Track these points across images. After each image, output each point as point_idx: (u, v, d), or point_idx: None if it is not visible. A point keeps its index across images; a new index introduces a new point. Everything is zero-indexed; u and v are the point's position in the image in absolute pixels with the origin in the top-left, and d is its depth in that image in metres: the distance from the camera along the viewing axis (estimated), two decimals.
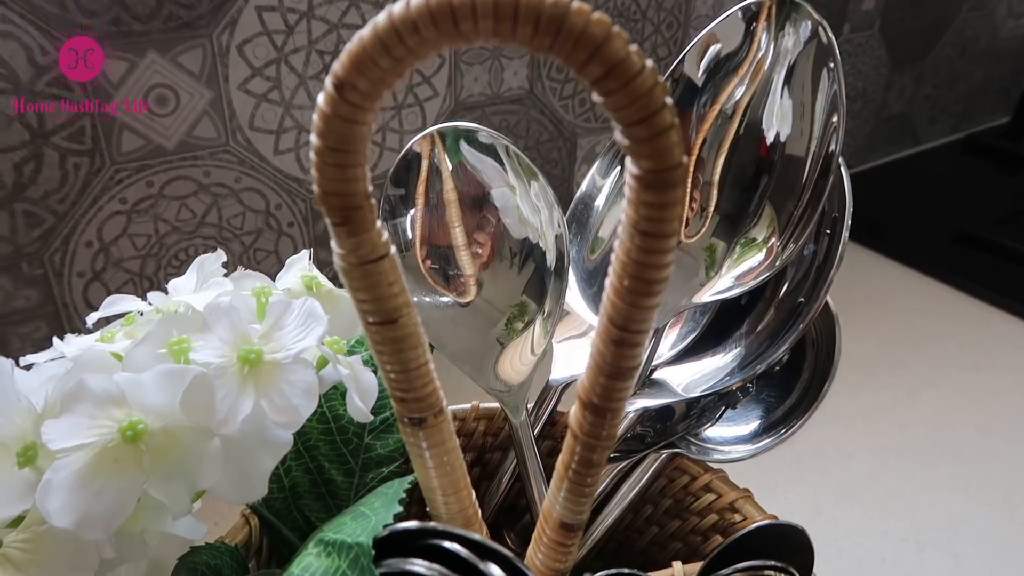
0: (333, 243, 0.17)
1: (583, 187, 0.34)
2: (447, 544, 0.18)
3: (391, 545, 0.19)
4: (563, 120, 0.66)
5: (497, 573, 0.18)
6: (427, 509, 0.21)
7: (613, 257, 0.16)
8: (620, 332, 0.16)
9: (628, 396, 0.17)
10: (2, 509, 0.20)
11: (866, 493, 0.49)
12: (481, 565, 0.18)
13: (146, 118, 0.47)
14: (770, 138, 0.23)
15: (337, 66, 0.14)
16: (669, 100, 0.14)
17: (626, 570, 0.21)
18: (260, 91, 0.51)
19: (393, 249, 0.17)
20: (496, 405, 0.33)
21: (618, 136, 0.14)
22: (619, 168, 0.33)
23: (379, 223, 0.17)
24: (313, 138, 0.15)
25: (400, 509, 0.20)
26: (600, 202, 0.33)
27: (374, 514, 0.20)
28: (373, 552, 0.18)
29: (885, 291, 0.71)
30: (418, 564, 0.17)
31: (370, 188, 0.16)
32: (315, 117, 0.15)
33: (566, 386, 0.31)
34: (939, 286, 0.71)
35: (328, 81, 0.15)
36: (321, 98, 0.15)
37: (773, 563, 0.22)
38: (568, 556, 0.20)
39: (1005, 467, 0.51)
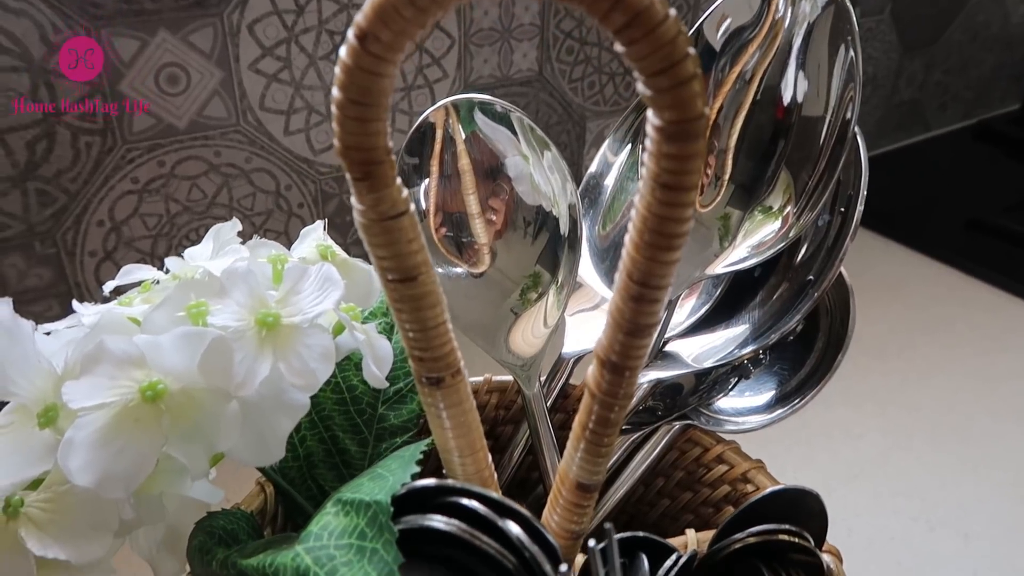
0: (353, 199, 0.17)
1: (594, 166, 0.34)
2: (465, 501, 0.18)
3: (409, 503, 0.19)
4: (572, 103, 0.66)
5: (515, 530, 0.18)
6: (443, 472, 0.21)
7: (633, 213, 0.16)
8: (639, 288, 0.16)
9: (646, 355, 0.18)
10: (24, 470, 0.20)
11: (876, 474, 0.49)
12: (500, 522, 0.18)
13: (157, 97, 0.47)
14: (787, 102, 0.23)
15: (360, 17, 0.14)
16: (692, 50, 0.14)
17: (641, 533, 0.21)
18: (270, 71, 0.51)
19: (413, 207, 0.17)
20: (509, 378, 0.33)
21: (640, 87, 0.14)
22: (629, 146, 0.33)
23: (399, 180, 0.17)
24: (335, 91, 0.15)
25: (417, 470, 0.20)
26: (611, 180, 0.33)
27: (391, 475, 0.20)
28: (391, 509, 0.18)
29: (895, 276, 0.71)
30: (436, 520, 0.18)
31: (391, 144, 0.16)
32: (337, 70, 0.15)
33: (579, 359, 0.31)
34: (949, 271, 0.71)
35: (350, 32, 0.15)
36: (343, 50, 0.15)
37: (787, 527, 0.22)
38: (584, 517, 0.20)
39: (1015, 448, 0.51)
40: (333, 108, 0.15)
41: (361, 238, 0.17)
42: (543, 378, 0.31)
